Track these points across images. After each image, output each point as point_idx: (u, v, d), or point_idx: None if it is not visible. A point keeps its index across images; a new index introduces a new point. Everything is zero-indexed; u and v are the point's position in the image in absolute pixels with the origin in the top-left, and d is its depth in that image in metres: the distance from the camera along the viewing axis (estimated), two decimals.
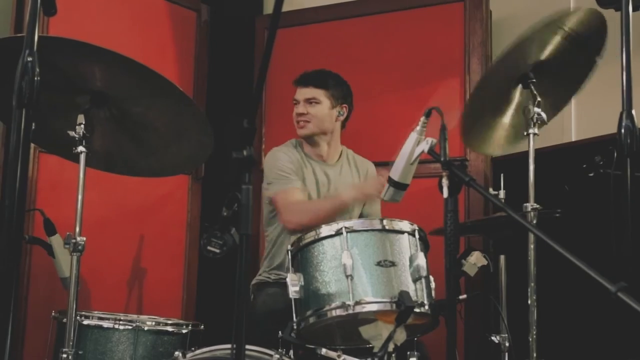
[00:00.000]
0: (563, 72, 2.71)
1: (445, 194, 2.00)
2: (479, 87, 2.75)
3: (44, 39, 1.89)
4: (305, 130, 3.24)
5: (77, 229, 2.28)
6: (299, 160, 3.23)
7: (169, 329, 2.59)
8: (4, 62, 1.93)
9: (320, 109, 3.22)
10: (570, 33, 2.53)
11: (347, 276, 2.19)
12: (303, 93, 3.24)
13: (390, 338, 2.20)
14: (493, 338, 2.83)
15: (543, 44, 2.55)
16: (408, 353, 2.46)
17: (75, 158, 2.35)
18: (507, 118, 2.77)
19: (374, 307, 2.19)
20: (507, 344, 2.81)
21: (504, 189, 2.94)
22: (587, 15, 2.48)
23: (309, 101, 3.22)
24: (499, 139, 2.93)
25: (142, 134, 2.48)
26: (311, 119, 3.22)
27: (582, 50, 2.64)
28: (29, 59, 1.47)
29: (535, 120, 2.55)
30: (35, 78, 1.46)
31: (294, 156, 3.22)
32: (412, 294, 2.19)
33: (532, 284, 2.55)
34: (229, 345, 2.25)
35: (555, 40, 2.54)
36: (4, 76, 1.68)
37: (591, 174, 2.58)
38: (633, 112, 1.92)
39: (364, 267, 2.22)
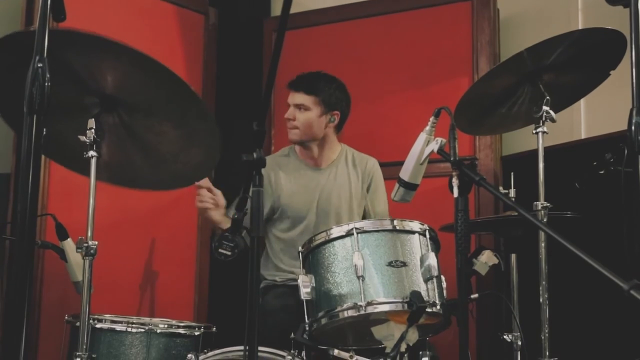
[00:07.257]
0: (573, 76, 2.71)
1: (456, 193, 2.00)
2: (486, 77, 2.74)
3: (57, 33, 1.89)
4: (293, 137, 3.23)
5: (89, 233, 2.28)
6: (272, 171, 3.25)
7: (182, 331, 2.59)
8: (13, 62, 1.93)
9: (308, 115, 3.17)
10: (586, 48, 2.54)
11: (358, 277, 2.19)
12: (294, 98, 3.20)
13: (402, 338, 2.20)
14: (505, 337, 2.82)
15: (556, 51, 2.54)
16: (420, 353, 2.46)
17: (75, 166, 2.33)
18: (505, 109, 2.77)
19: (385, 308, 2.19)
20: (519, 343, 2.80)
21: (514, 188, 2.94)
22: (606, 34, 2.48)
23: (298, 107, 3.18)
24: (489, 125, 2.96)
25: (151, 139, 2.46)
26: (299, 126, 3.19)
27: (596, 64, 2.64)
28: (39, 65, 1.47)
29: (544, 119, 2.55)
30: (46, 84, 1.46)
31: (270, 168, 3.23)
32: (423, 293, 2.20)
33: (544, 282, 2.55)
34: (241, 347, 2.25)
35: (571, 51, 2.54)
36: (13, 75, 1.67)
37: (602, 172, 2.57)
38: None
39: (375, 267, 2.22)
